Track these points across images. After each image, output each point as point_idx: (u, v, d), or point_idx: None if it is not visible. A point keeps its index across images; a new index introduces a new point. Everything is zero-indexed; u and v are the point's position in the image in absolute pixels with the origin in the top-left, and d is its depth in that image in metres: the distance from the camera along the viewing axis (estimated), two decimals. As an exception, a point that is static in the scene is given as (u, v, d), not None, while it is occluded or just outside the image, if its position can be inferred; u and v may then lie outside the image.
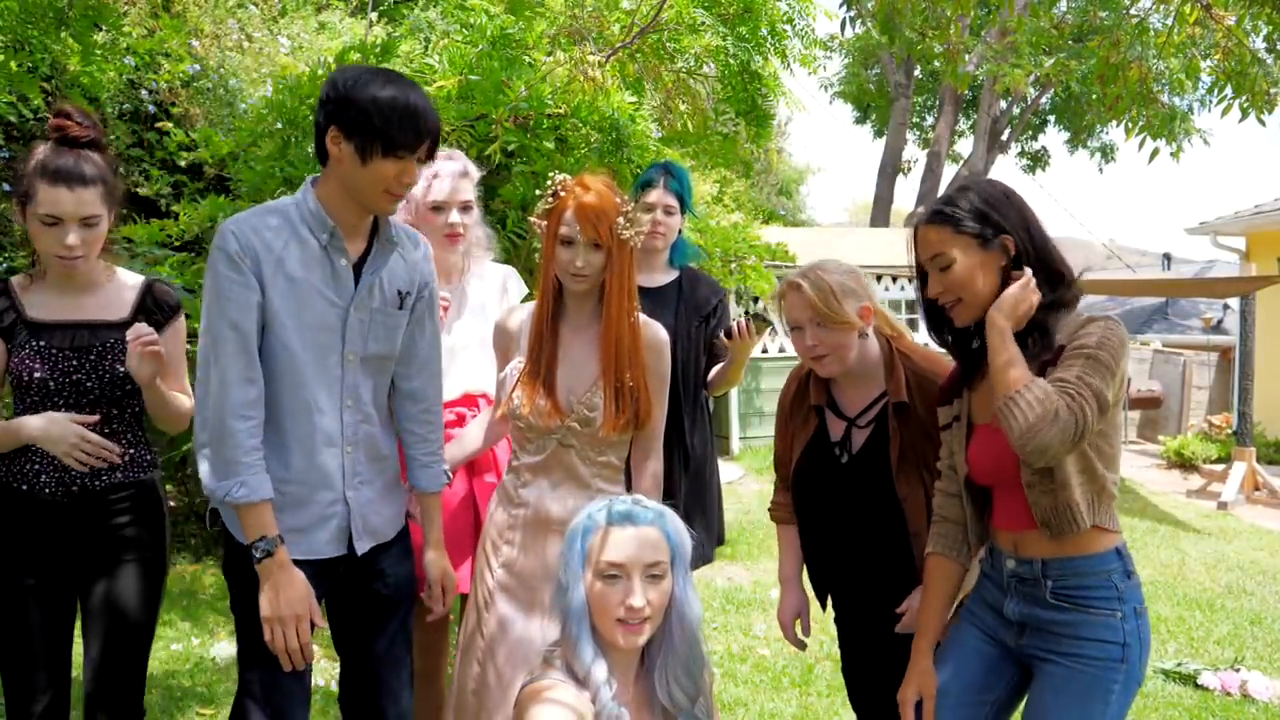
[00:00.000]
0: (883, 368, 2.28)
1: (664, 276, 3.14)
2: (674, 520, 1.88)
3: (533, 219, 2.28)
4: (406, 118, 1.88)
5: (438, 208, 2.63)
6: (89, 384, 2.17)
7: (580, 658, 1.79)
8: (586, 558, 1.82)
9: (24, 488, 2.17)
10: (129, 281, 2.28)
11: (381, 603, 2.16)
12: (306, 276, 1.96)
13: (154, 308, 2.26)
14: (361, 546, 2.09)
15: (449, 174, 2.65)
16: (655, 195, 3.10)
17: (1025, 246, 1.90)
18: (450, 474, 2.32)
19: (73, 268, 2.13)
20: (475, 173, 2.74)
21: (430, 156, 1.98)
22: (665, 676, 1.81)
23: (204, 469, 1.92)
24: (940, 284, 1.92)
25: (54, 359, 2.15)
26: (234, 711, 2.04)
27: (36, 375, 2.13)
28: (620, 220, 2.15)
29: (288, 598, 1.91)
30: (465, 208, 2.67)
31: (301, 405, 1.99)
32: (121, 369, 2.17)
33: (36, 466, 2.17)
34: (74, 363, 2.16)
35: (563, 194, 2.18)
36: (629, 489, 2.29)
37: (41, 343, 2.15)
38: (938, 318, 2.02)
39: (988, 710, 2.00)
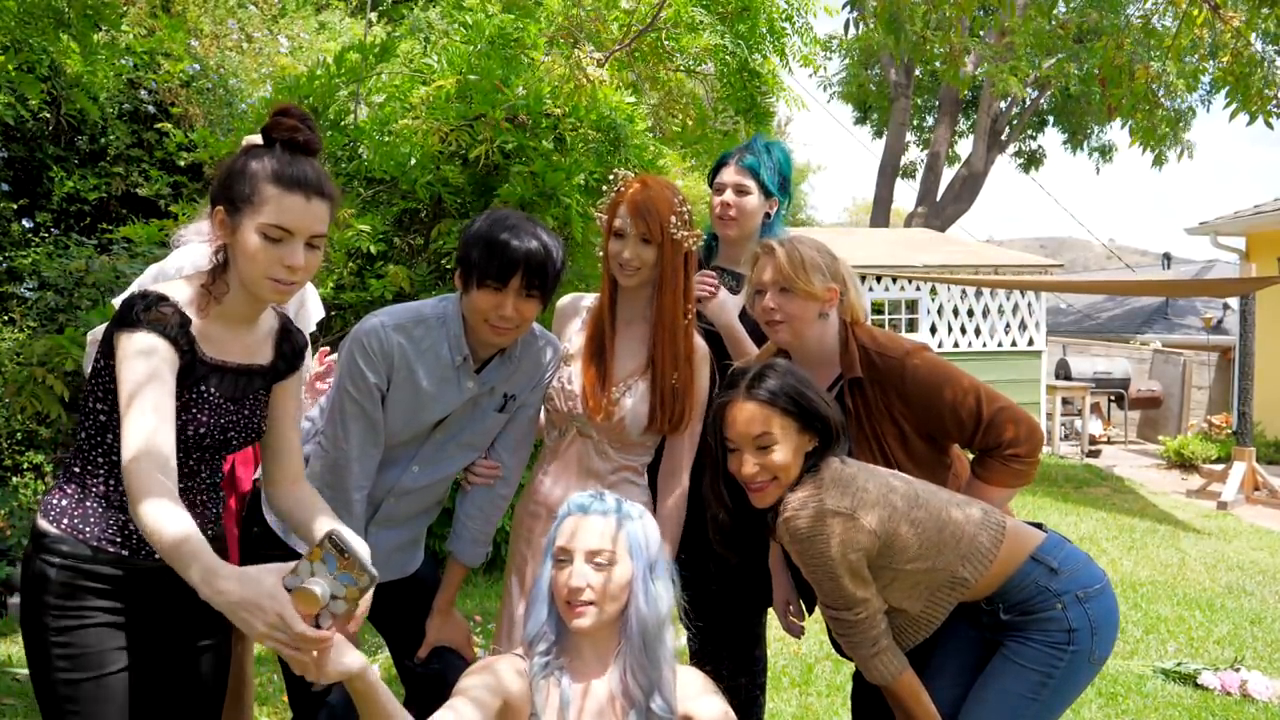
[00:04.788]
0: (839, 348, 2.31)
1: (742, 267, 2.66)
2: (641, 521, 1.92)
3: (594, 211, 2.33)
4: (494, 251, 1.98)
5: None
6: (234, 441, 1.83)
7: (528, 630, 1.90)
8: (552, 544, 1.93)
9: (124, 553, 1.74)
10: (266, 317, 1.90)
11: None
12: (431, 389, 2.09)
13: (290, 354, 1.91)
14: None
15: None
16: (725, 174, 2.71)
17: (831, 429, 2.03)
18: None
19: (284, 295, 1.75)
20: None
21: (532, 291, 2.02)
22: (625, 670, 1.90)
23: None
24: (756, 463, 2.00)
25: (216, 409, 1.78)
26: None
27: (201, 430, 1.76)
28: (673, 219, 2.20)
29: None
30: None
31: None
32: (264, 426, 1.88)
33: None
34: (232, 417, 1.81)
35: (622, 188, 2.28)
36: (654, 498, 2.34)
37: (211, 389, 1.77)
38: (728, 489, 2.10)
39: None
